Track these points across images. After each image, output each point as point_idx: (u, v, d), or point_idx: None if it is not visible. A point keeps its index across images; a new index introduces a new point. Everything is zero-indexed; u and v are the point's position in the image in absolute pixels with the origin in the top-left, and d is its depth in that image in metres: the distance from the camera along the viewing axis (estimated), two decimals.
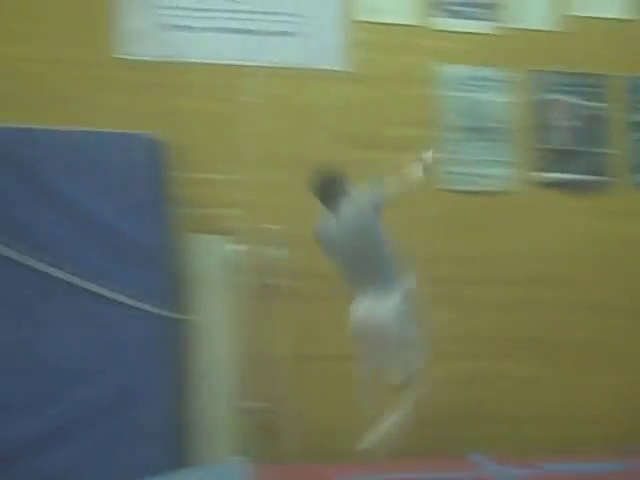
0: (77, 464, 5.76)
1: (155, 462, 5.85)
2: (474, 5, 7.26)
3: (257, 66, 6.79)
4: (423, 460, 6.06)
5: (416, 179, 5.44)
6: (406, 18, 7.12)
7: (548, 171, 7.25)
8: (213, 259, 6.31)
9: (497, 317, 6.92)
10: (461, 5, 7.24)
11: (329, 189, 5.48)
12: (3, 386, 5.74)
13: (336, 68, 6.98)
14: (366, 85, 7.00)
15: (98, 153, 6.08)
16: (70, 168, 5.99)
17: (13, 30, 6.52)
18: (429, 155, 5.50)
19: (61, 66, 6.47)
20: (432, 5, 7.20)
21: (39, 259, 5.81)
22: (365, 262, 5.36)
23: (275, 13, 6.97)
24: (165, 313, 6.04)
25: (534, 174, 7.23)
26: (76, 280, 5.86)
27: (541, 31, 7.29)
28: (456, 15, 7.22)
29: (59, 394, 5.82)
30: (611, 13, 7.39)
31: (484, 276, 6.92)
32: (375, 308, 5.29)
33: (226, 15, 6.93)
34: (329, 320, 6.49)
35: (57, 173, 5.96)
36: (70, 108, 6.40)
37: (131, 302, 5.94)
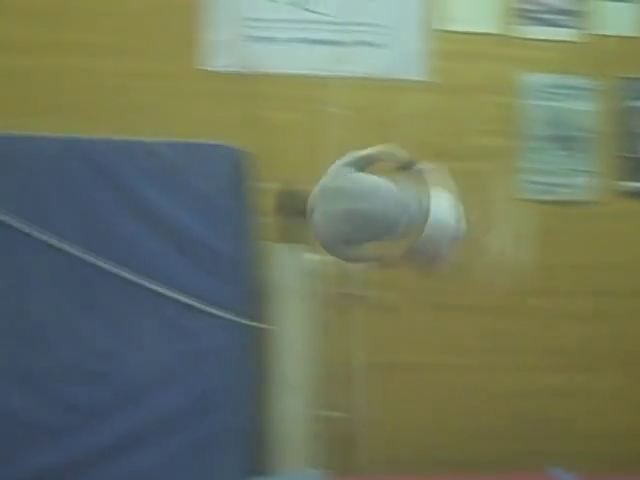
0: (155, 468, 5.91)
1: (231, 470, 5.94)
2: (557, 12, 7.18)
3: (339, 77, 6.82)
4: (502, 474, 6.03)
5: None
6: (488, 27, 7.08)
7: (632, 180, 7.13)
8: (292, 268, 6.37)
9: (578, 329, 6.84)
10: (544, 12, 7.17)
11: None
12: (88, 390, 5.93)
13: (418, 78, 6.98)
14: (448, 95, 6.99)
15: (182, 163, 6.18)
16: (154, 178, 6.12)
17: (99, 44, 6.70)
18: None
19: (147, 78, 6.62)
20: (515, 13, 7.14)
21: (124, 268, 5.98)
22: None
23: (357, 24, 7.00)
24: (244, 322, 6.12)
25: (617, 183, 7.12)
26: (159, 288, 6.01)
27: (626, 37, 7.17)
28: (539, 23, 7.15)
29: (140, 399, 5.97)
30: None
31: (565, 287, 6.85)
32: None
33: (309, 26, 6.99)
34: (407, 330, 6.55)
35: (142, 183, 6.09)
36: (155, 119, 6.55)
37: (211, 310, 6.04)
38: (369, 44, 7.00)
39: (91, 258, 5.97)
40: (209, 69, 6.81)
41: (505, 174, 6.85)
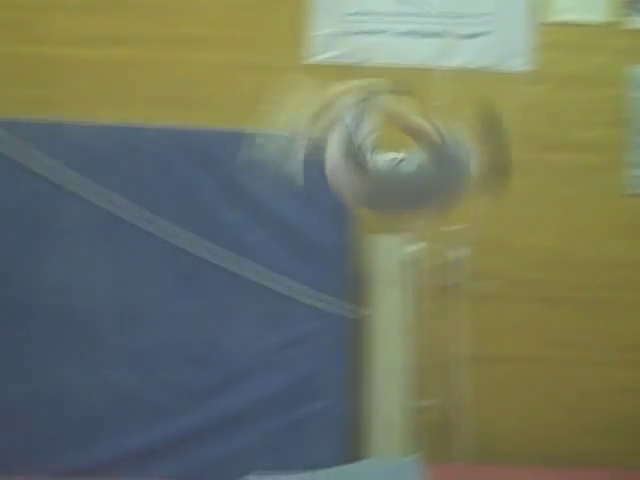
0: (253, 449, 6.06)
1: (328, 454, 6.04)
2: None
3: (444, 69, 6.83)
4: (597, 470, 5.93)
5: None
6: (595, 17, 6.96)
7: None
8: (392, 259, 6.41)
9: None
10: None
11: None
12: (190, 373, 6.13)
13: (524, 69, 6.92)
14: (555, 86, 6.90)
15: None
16: (258, 166, 6.25)
17: (206, 37, 6.88)
18: None
19: (253, 71, 6.77)
20: (623, 4, 7.00)
21: (226, 256, 6.14)
22: None
23: (462, 15, 6.99)
24: (343, 311, 6.21)
25: None
26: (260, 276, 6.14)
27: None
28: None
29: (240, 383, 6.14)
30: None
31: None
32: None
33: (413, 19, 7.02)
34: (506, 321, 6.52)
35: (245, 173, 6.24)
36: (261, 111, 6.68)
37: (310, 299, 6.15)
38: (474, 36, 6.98)
39: (194, 247, 6.15)
40: (316, 62, 6.90)
41: (612, 168, 6.73)
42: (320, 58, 6.90)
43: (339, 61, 6.85)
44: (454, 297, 6.56)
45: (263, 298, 6.16)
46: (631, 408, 6.28)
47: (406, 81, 4.36)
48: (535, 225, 6.78)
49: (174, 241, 6.14)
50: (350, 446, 6.24)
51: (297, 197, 6.20)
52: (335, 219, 6.25)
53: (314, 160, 4.37)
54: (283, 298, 6.15)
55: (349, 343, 6.30)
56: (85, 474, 5.92)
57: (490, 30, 6.97)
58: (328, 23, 6.92)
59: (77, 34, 6.84)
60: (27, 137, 6.16)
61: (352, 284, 6.35)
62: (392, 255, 6.43)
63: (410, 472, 5.89)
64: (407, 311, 6.37)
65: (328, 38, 6.90)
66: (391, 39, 6.98)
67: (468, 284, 6.58)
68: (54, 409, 6.05)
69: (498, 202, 6.26)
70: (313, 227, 6.23)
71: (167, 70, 6.81)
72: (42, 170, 6.17)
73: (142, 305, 6.17)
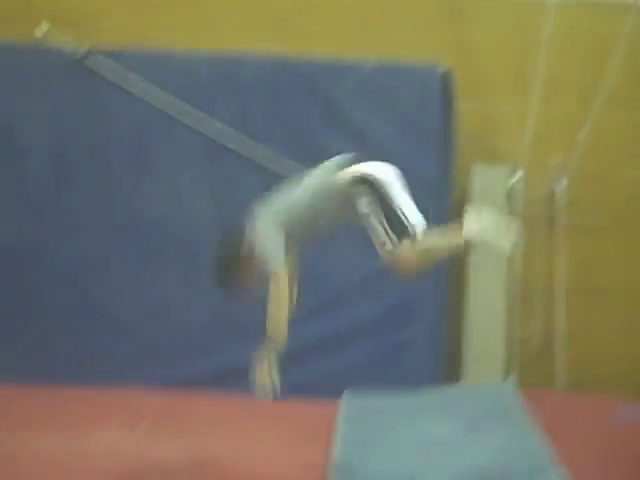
0: (351, 370, 6.16)
1: (425, 377, 6.13)
2: None
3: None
4: None
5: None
6: None
7: None
8: (495, 190, 6.40)
9: None
10: None
11: None
12: None
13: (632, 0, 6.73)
14: None
15: (389, 82, 6.29)
16: (362, 97, 6.26)
17: None
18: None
19: None
20: None
21: None
22: None
23: None
24: None
25: None
26: None
27: None
28: None
29: (340, 306, 6.24)
30: None
31: None
32: None
33: None
34: (605, 253, 6.49)
35: (349, 102, 6.25)
36: (364, 39, 6.66)
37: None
38: None
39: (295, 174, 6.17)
40: None
41: None
42: None
43: None
44: (554, 228, 6.55)
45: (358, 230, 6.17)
46: None
47: None
48: (637, 158, 6.69)
49: (275, 169, 6.18)
50: (448, 372, 6.35)
51: (399, 127, 6.23)
52: (439, 149, 6.25)
53: None
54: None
55: (448, 272, 6.35)
56: (189, 386, 6.10)
57: None
58: None
59: None
60: (133, 65, 6.24)
61: (453, 215, 6.35)
62: (494, 186, 6.41)
63: (507, 395, 5.97)
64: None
65: None
66: None
67: (568, 216, 6.55)
68: (164, 323, 6.24)
69: (601, 135, 6.31)
70: (414, 157, 6.17)
71: None
72: (147, 97, 6.25)
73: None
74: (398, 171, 4.43)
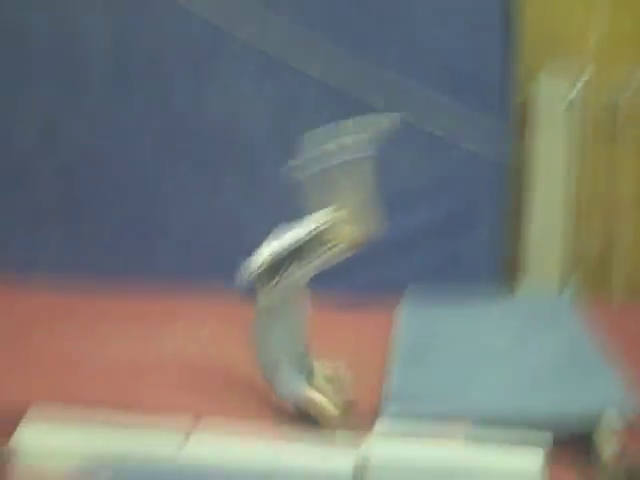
0: (409, 277, 6.12)
1: (480, 289, 6.08)
2: None
3: None
4: None
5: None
6: None
7: None
8: (556, 100, 6.26)
9: None
10: None
11: None
12: None
13: None
14: None
15: None
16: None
17: None
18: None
19: None
20: None
21: (382, 95, 6.07)
22: None
23: None
24: (500, 151, 6.14)
25: None
26: (416, 115, 6.07)
27: None
28: None
29: (399, 213, 6.13)
30: None
31: None
32: None
33: None
34: None
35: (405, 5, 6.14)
36: None
37: (469, 139, 6.09)
38: None
39: (351, 86, 6.11)
40: None
41: None
42: None
43: None
44: (617, 140, 6.41)
45: (419, 137, 6.12)
46: None
47: None
48: None
49: (331, 80, 6.12)
50: (506, 280, 6.29)
51: (459, 33, 6.10)
52: (501, 56, 6.11)
53: None
54: (441, 137, 6.10)
55: (509, 183, 6.28)
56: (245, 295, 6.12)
57: None
58: None
59: None
60: None
61: (514, 125, 6.25)
62: (556, 95, 6.27)
63: (564, 306, 5.95)
64: (569, 153, 6.26)
65: None
66: None
67: (631, 128, 6.39)
68: (218, 235, 6.29)
69: None
70: (475, 65, 6.09)
71: None
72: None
73: (300, 144, 6.21)
74: None
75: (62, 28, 6.31)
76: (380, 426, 4.05)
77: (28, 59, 6.32)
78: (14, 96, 6.34)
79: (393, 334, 5.49)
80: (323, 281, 6.12)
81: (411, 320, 5.72)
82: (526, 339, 5.27)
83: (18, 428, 3.73)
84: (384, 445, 3.83)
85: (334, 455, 3.78)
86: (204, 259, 6.27)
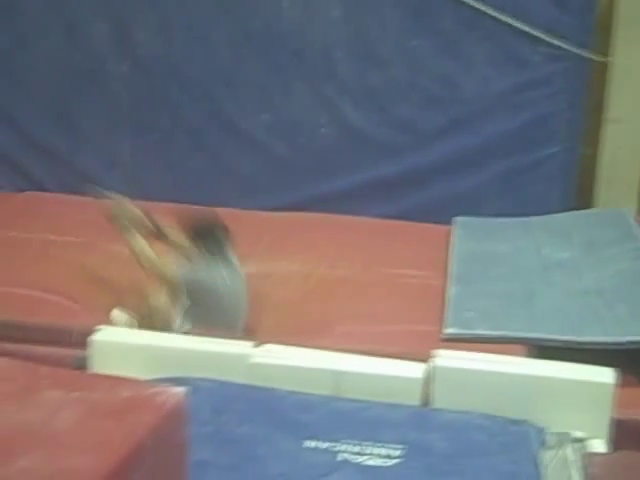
0: (479, 190, 6.13)
1: (552, 200, 6.04)
2: None
3: None
4: None
5: None
6: None
7: None
8: None
9: None
10: None
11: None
12: (425, 112, 6.14)
13: None
14: None
15: None
16: None
17: None
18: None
19: None
20: None
21: None
22: None
23: None
24: (585, 53, 5.94)
25: None
26: (498, 14, 5.90)
27: None
28: None
29: (472, 124, 6.12)
30: None
31: None
32: None
33: None
34: None
35: None
36: None
37: (550, 39, 5.89)
38: None
39: None
40: None
41: None
42: None
43: None
44: None
45: (501, 36, 5.96)
46: None
47: None
48: None
49: None
50: (577, 196, 6.18)
51: None
52: None
53: None
54: (522, 37, 5.93)
55: (589, 88, 6.09)
56: (314, 207, 6.17)
57: None
58: None
59: None
60: None
61: (596, 26, 6.02)
62: None
63: (631, 222, 5.78)
64: None
65: None
66: None
67: None
68: (292, 140, 6.27)
69: None
70: None
71: None
72: None
73: (376, 42, 6.12)
74: None
75: None
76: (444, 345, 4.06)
77: None
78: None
79: (452, 242, 5.48)
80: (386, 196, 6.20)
81: (469, 232, 5.70)
82: (590, 254, 5.19)
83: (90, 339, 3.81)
84: (451, 357, 3.83)
85: (403, 365, 3.81)
86: (271, 169, 6.31)
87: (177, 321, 4.54)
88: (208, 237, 4.58)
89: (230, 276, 4.56)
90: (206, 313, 4.49)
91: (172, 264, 4.58)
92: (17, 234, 5.54)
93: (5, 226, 5.69)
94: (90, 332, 3.88)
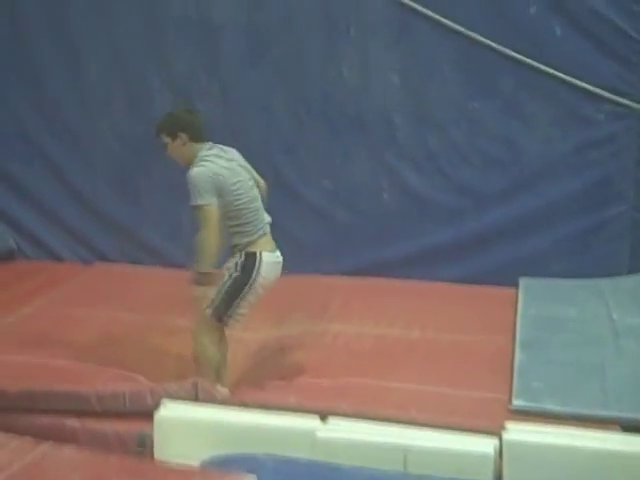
0: (542, 254, 6.02)
1: (618, 262, 5.90)
2: None
3: None
4: None
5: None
6: None
7: None
8: None
9: None
10: None
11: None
12: (483, 175, 6.08)
13: None
14: None
15: None
16: None
17: None
18: None
19: None
20: None
21: (523, 52, 5.87)
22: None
23: None
24: None
25: None
26: (559, 73, 5.84)
27: None
28: None
29: (534, 186, 6.03)
30: None
31: None
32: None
33: None
34: None
35: None
36: None
37: (613, 98, 5.80)
38: None
39: (490, 42, 5.92)
40: None
41: None
42: None
43: None
44: None
45: (563, 97, 5.89)
46: None
47: None
48: None
49: (470, 37, 5.93)
50: None
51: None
52: None
53: None
54: (584, 96, 5.85)
55: None
56: (377, 272, 6.14)
57: None
58: None
59: None
60: None
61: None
62: None
63: None
64: None
65: None
66: None
67: None
68: (353, 205, 6.26)
69: None
70: (621, 19, 5.77)
71: None
72: None
73: (435, 106, 6.10)
74: None
75: None
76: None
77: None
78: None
79: (519, 305, 5.40)
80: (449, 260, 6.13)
81: (535, 296, 5.60)
82: None
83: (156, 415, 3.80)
84: (522, 430, 3.72)
85: (474, 439, 3.71)
86: (333, 236, 6.30)
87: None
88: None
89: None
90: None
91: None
92: (84, 311, 5.60)
93: (72, 303, 5.75)
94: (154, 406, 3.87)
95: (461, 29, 5.93)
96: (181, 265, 6.38)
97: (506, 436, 3.63)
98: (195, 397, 4.18)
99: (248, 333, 5.01)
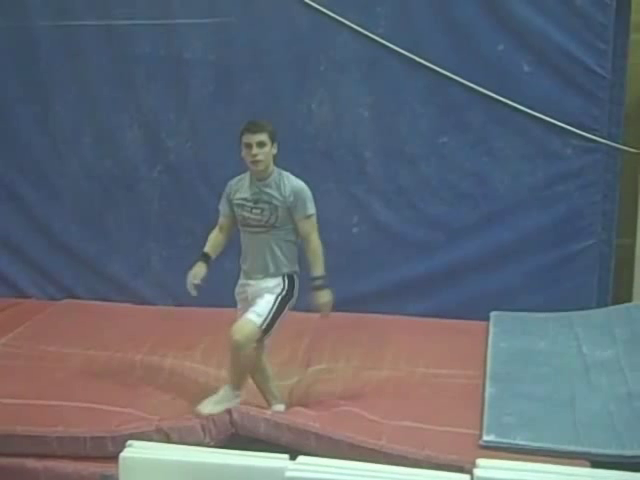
0: (512, 287, 6.03)
1: (587, 295, 5.94)
2: None
3: None
4: None
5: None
6: None
7: None
8: None
9: None
10: None
11: None
12: (454, 209, 6.11)
13: None
14: None
15: None
16: None
17: None
18: None
19: None
20: None
21: (492, 88, 5.91)
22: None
23: None
24: (614, 145, 5.90)
25: None
26: (527, 109, 5.89)
27: None
28: None
29: (504, 220, 6.07)
30: None
31: None
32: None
33: None
34: None
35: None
36: None
37: (580, 132, 5.86)
38: None
39: (460, 78, 5.96)
40: None
41: None
42: None
43: None
44: None
45: (530, 131, 5.95)
46: None
47: None
48: None
49: (439, 73, 5.97)
50: (612, 289, 6.07)
51: (570, 25, 5.85)
52: (612, 48, 5.84)
53: None
54: (551, 131, 5.91)
55: (621, 180, 6.02)
56: (347, 307, 6.03)
57: None
58: None
59: None
60: None
61: (627, 117, 5.99)
62: None
63: None
64: None
65: None
66: None
67: None
68: (323, 240, 6.16)
69: None
70: (587, 56, 5.84)
71: None
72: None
73: (405, 140, 6.13)
74: None
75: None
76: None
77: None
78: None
79: (489, 339, 5.41)
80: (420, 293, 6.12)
81: (505, 330, 5.61)
82: (631, 353, 5.04)
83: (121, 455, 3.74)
84: (492, 467, 3.69)
85: (446, 476, 3.68)
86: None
87: None
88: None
89: None
90: None
91: None
92: (57, 349, 5.52)
93: (43, 341, 5.67)
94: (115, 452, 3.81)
95: (431, 65, 5.98)
96: (150, 302, 6.38)
97: (478, 473, 3.59)
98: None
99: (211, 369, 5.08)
